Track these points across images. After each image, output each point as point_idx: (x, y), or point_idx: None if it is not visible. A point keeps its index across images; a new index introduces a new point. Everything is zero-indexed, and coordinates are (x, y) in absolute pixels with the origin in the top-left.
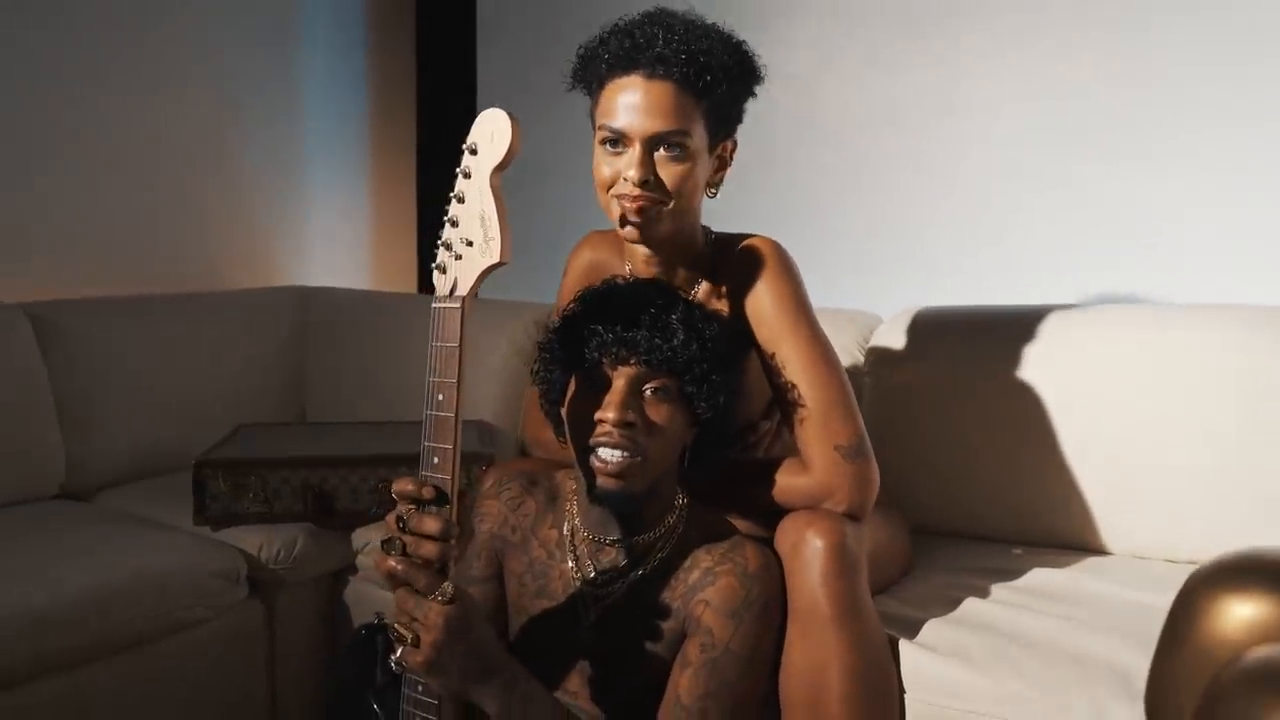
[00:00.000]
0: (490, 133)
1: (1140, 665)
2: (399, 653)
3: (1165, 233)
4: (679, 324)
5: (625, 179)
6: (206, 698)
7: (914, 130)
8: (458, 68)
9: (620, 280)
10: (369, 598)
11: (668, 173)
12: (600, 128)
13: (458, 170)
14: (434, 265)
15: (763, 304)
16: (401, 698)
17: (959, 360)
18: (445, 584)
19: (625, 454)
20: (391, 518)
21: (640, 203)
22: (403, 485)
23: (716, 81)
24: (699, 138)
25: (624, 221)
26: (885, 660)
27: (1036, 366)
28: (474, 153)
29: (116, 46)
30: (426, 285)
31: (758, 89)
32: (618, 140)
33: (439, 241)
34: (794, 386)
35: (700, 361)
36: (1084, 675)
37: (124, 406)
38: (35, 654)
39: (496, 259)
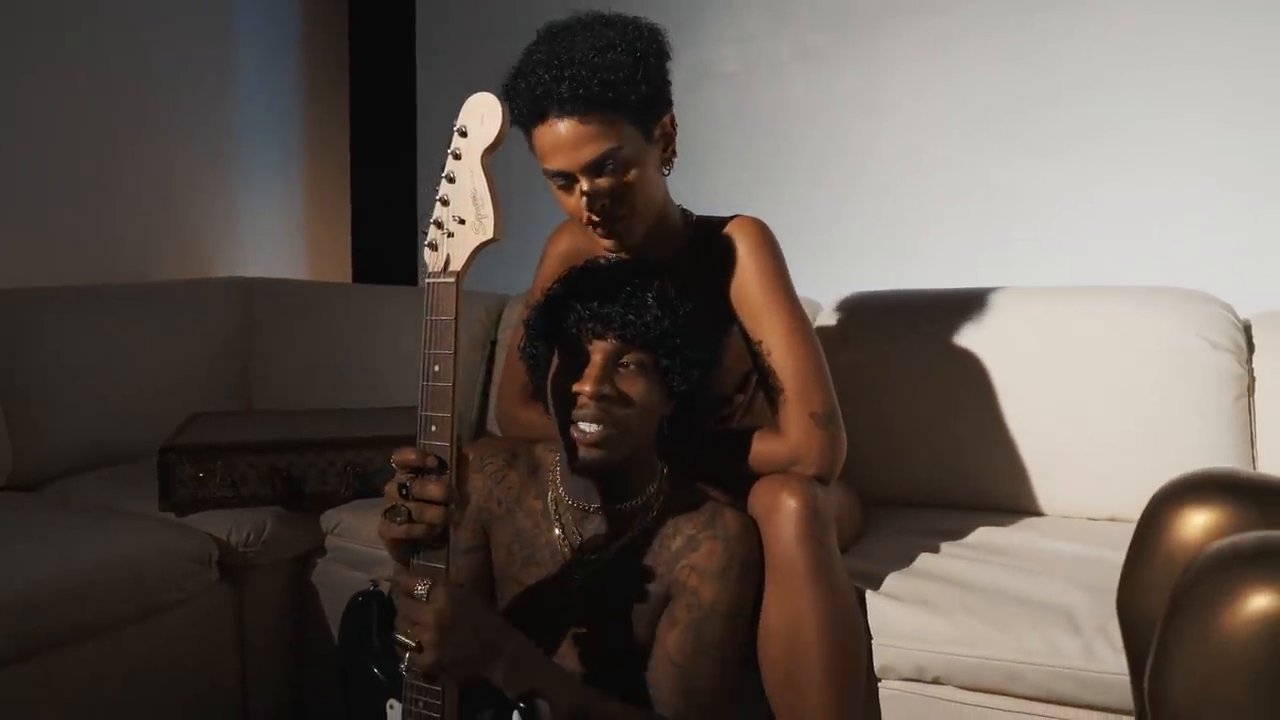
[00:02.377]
0: (480, 115)
1: (1080, 604)
2: (407, 660)
3: (1077, 220)
4: (654, 300)
5: (584, 212)
6: (179, 680)
7: (842, 125)
8: (391, 58)
9: (603, 260)
10: (338, 579)
11: (616, 190)
12: (544, 171)
13: (448, 151)
14: (426, 243)
15: (746, 279)
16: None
17: (898, 341)
18: (421, 582)
19: (601, 426)
20: (392, 487)
21: (606, 225)
22: (404, 455)
23: (625, 87)
24: (632, 141)
25: (595, 234)
26: (855, 610)
27: (969, 345)
28: (464, 134)
29: (51, 36)
30: (361, 275)
31: (675, 54)
32: (561, 176)
33: (431, 220)
34: (774, 356)
35: (674, 336)
36: (1033, 614)
37: (70, 397)
38: (11, 639)
39: (489, 236)
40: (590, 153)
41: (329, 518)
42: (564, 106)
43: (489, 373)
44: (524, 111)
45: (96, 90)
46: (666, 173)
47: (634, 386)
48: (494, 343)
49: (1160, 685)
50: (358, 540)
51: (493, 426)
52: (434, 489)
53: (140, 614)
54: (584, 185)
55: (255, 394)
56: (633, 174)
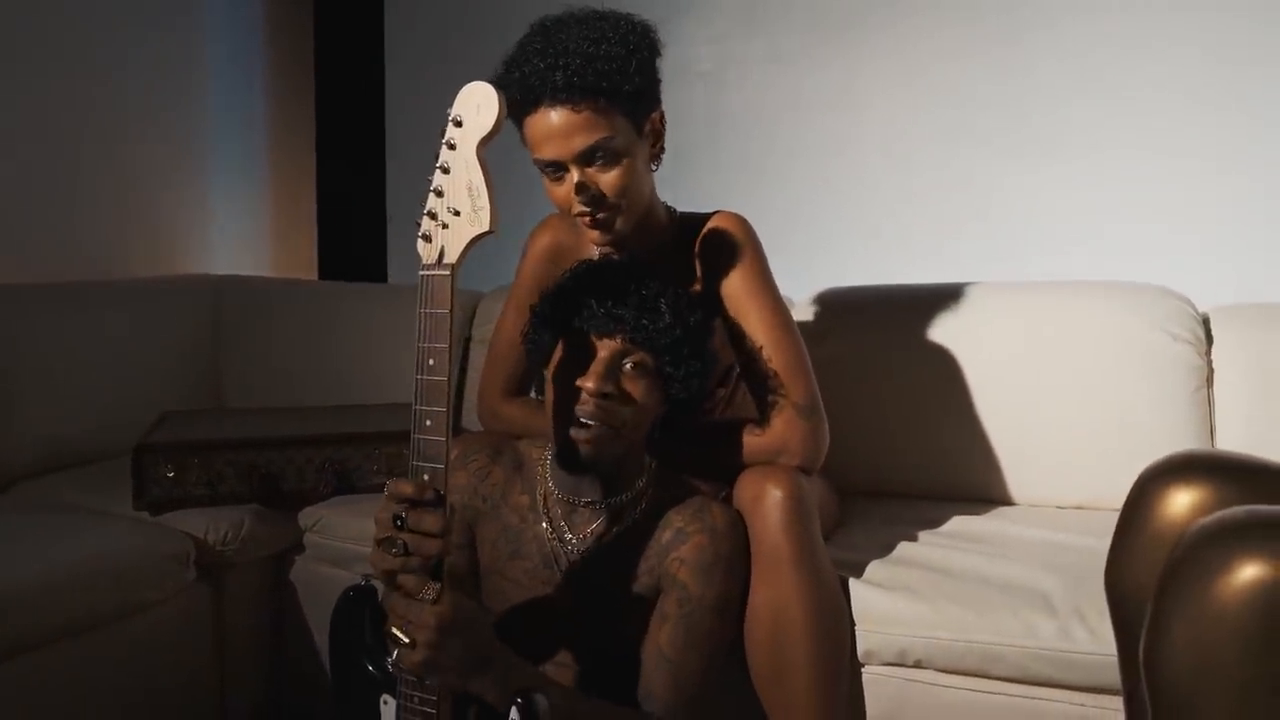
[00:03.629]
0: (476, 105)
1: (1055, 588)
2: (395, 655)
3: (1044, 218)
4: (666, 307)
5: (576, 203)
6: (156, 680)
7: (814, 124)
8: (357, 54)
9: (617, 257)
10: (317, 576)
11: (606, 181)
12: (535, 161)
13: (442, 142)
14: (419, 235)
15: (729, 273)
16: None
17: (870, 337)
18: (429, 585)
19: (599, 423)
20: (386, 517)
21: (595, 217)
22: (401, 487)
23: (618, 78)
24: (623, 133)
25: (585, 228)
26: (839, 597)
27: (940, 340)
28: (459, 125)
29: (15, 33)
30: (327, 272)
31: (664, 52)
32: (553, 167)
33: (424, 211)
34: (758, 350)
35: (682, 345)
36: (1011, 598)
37: (36, 397)
38: None
39: (486, 228)
40: (582, 141)
41: (308, 515)
42: (558, 95)
43: (463, 370)
44: (517, 99)
45: (61, 87)
46: (655, 169)
47: (635, 387)
48: (468, 339)
49: (1155, 654)
50: (338, 537)
51: (466, 423)
52: (430, 521)
53: (118, 614)
54: (575, 175)
55: (225, 392)
56: (623, 165)
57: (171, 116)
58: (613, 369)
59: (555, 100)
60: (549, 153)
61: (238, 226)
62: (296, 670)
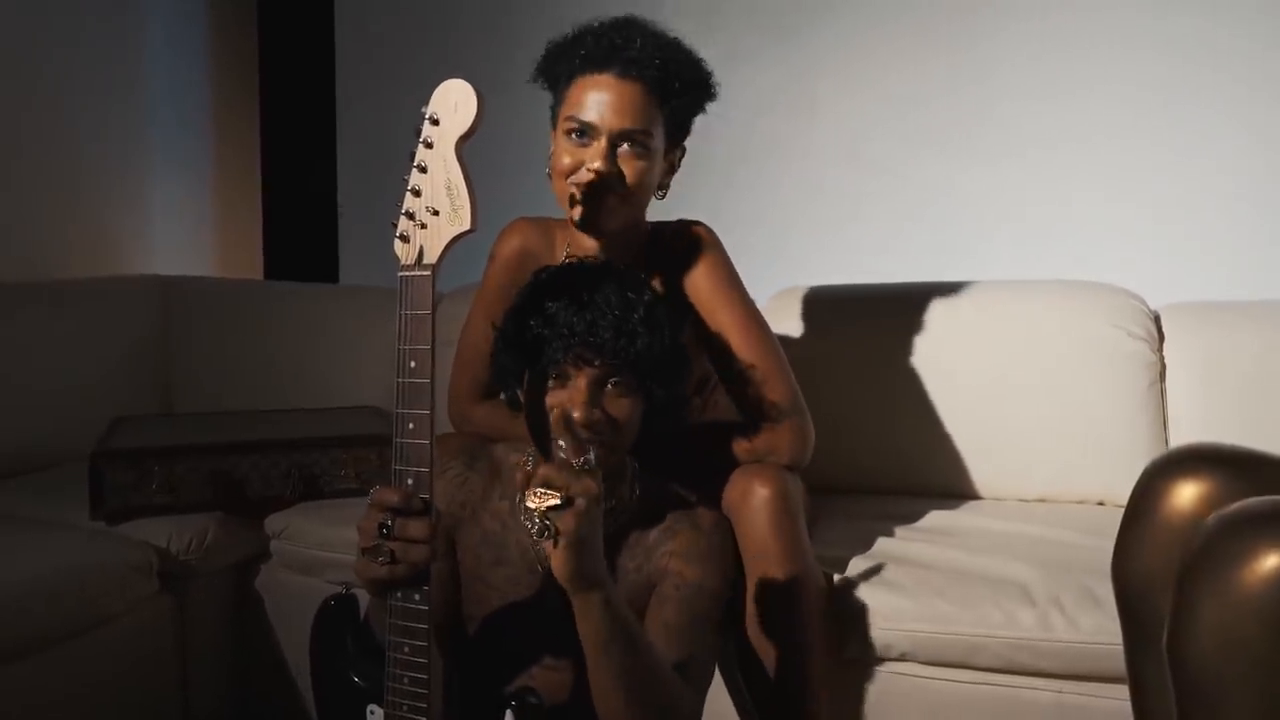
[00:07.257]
0: (454, 103)
1: (1033, 579)
2: (550, 522)
3: (997, 218)
4: (641, 325)
5: (588, 169)
6: (119, 695)
7: (772, 124)
8: (303, 47)
9: (581, 264)
10: (283, 585)
11: (629, 168)
12: (568, 119)
13: (419, 140)
14: (397, 235)
15: (700, 281)
16: (388, 661)
17: (832, 336)
18: (589, 453)
19: (591, 452)
20: (370, 525)
21: (590, 200)
22: (386, 495)
23: (679, 89)
24: (658, 139)
25: (573, 202)
26: (825, 593)
27: (901, 339)
28: (435, 123)
29: None
30: (273, 271)
31: (709, 105)
32: (584, 132)
33: (401, 211)
34: (734, 353)
35: (660, 359)
36: (991, 590)
37: None
38: None
39: (466, 226)
40: (631, 120)
41: (274, 521)
42: (635, 67)
43: None
44: (589, 53)
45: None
46: (660, 196)
47: (619, 406)
48: None
49: (1181, 639)
50: (306, 544)
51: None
52: (417, 528)
53: (80, 628)
54: (603, 147)
55: (175, 396)
56: (645, 163)
57: (109, 113)
58: (596, 395)
59: (629, 70)
60: (593, 115)
61: (180, 225)
62: (263, 681)
